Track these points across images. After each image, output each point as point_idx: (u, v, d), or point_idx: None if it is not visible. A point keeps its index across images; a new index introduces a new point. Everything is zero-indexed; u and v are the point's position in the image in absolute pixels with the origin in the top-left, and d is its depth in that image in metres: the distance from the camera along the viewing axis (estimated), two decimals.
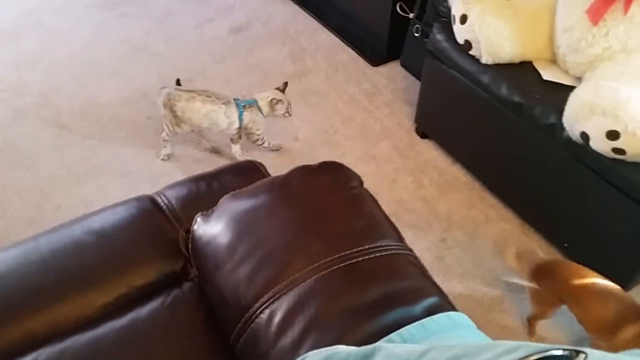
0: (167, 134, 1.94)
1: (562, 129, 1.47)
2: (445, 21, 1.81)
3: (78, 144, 2.09)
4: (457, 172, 1.99)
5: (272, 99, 1.91)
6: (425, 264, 0.89)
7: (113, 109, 2.26)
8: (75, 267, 0.96)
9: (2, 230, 1.79)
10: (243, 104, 1.90)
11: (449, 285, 1.61)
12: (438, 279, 1.63)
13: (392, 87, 2.38)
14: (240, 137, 1.97)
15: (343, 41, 2.65)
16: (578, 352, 0.42)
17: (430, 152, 2.07)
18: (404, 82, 2.40)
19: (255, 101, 1.92)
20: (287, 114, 1.97)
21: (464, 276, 1.67)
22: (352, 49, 2.59)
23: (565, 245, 1.68)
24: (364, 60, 2.52)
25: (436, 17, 2.13)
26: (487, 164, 1.87)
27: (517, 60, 1.65)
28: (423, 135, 2.11)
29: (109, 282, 0.96)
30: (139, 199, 1.12)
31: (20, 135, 2.14)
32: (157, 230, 1.04)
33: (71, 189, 1.91)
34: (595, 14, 1.46)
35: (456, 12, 1.67)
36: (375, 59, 2.51)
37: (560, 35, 1.59)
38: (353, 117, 2.24)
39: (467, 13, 1.63)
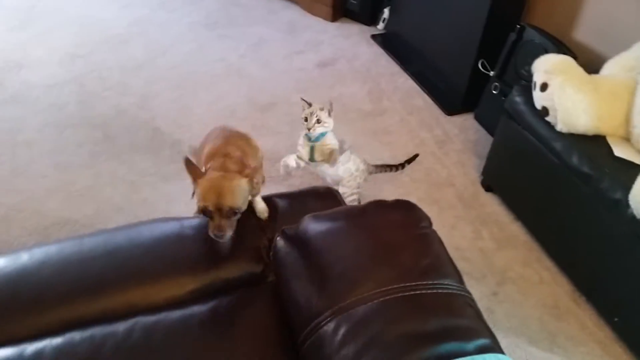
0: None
1: (627, 206, 1.51)
2: (525, 84, 1.90)
3: (169, 147, 2.31)
4: (517, 230, 2.04)
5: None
6: None
7: (203, 121, 2.47)
8: (173, 254, 1.12)
9: (93, 211, 2.01)
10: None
11: None
12: None
13: (463, 137, 2.47)
14: None
15: (421, 87, 2.78)
16: None
17: (493, 206, 2.14)
18: (475, 135, 2.49)
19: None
20: None
21: (511, 332, 1.71)
22: (429, 96, 2.72)
23: (615, 320, 1.69)
24: (438, 108, 2.64)
25: (516, 79, 2.23)
26: (548, 226, 1.92)
27: (591, 133, 1.71)
28: (488, 188, 2.18)
29: (199, 271, 1.11)
30: None
31: (119, 131, 2.39)
32: (245, 234, 1.19)
33: (158, 185, 2.11)
34: None
35: (538, 79, 1.76)
36: (450, 108, 2.62)
37: (637, 116, 1.65)
38: (421, 160, 2.34)
39: (548, 82, 1.72)
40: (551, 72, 1.73)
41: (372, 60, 2.99)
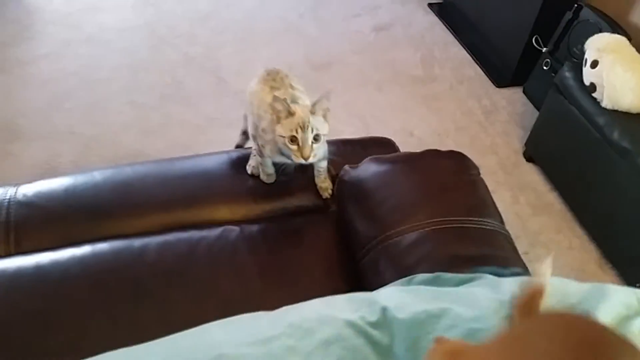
0: None
1: None
2: (576, 62, 1.99)
3: (231, 96, 2.49)
4: (553, 199, 2.17)
5: None
6: None
7: None
8: (254, 179, 1.31)
9: (164, 147, 2.22)
10: None
11: None
12: None
13: (510, 109, 2.57)
14: None
15: (473, 58, 2.87)
16: None
17: (532, 175, 2.26)
18: (522, 108, 2.58)
19: None
20: None
21: None
22: (480, 67, 2.81)
23: (637, 285, 1.81)
24: (488, 80, 2.73)
25: (567, 57, 2.31)
26: (584, 197, 2.03)
27: (634, 111, 1.80)
28: (529, 159, 2.30)
29: (273, 196, 1.29)
30: None
31: (186, 77, 2.58)
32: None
33: (222, 130, 2.30)
34: None
35: (589, 56, 1.85)
36: (499, 80, 2.71)
37: None
38: (466, 128, 2.46)
39: (599, 59, 1.81)
40: (603, 50, 1.82)
41: (427, 29, 3.08)
